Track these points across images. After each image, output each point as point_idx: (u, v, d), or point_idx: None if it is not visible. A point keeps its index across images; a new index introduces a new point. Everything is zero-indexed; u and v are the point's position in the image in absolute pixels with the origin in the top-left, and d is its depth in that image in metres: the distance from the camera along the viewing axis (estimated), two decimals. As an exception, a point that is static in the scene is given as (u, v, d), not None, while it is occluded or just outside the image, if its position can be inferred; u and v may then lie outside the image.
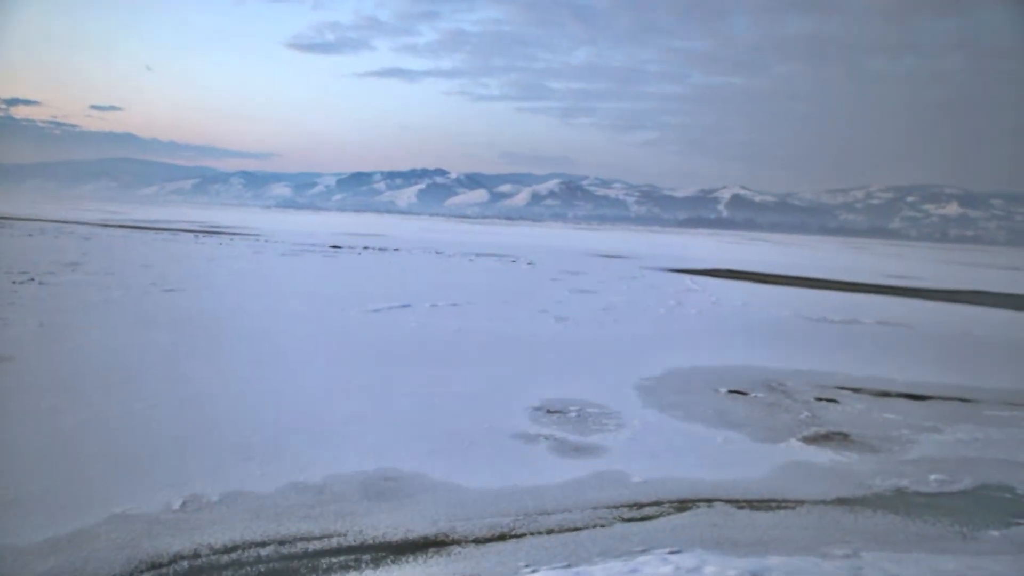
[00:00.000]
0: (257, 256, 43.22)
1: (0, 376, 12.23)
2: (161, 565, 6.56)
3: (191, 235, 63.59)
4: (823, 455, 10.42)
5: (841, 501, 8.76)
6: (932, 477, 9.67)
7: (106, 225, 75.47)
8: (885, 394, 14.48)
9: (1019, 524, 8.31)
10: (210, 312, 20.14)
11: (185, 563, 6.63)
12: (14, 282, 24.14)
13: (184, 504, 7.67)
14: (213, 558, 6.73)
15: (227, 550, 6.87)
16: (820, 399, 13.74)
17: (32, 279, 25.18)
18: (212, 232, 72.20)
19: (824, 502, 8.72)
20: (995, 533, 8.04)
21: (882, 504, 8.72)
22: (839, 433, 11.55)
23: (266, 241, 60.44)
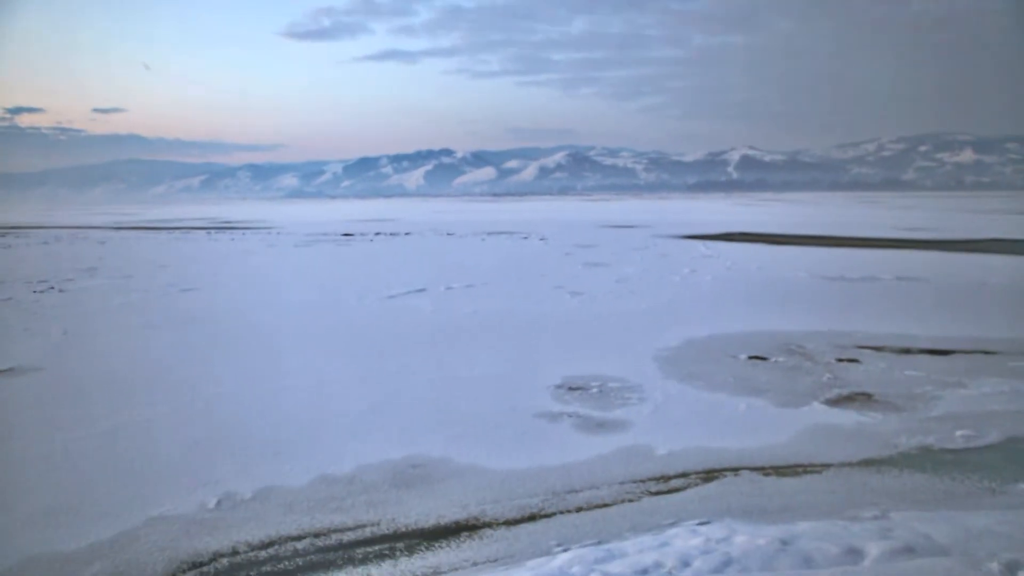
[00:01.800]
0: (270, 249, 43.45)
1: (29, 387, 12.46)
2: (202, 564, 6.72)
3: (203, 232, 63.99)
4: (847, 417, 10.42)
5: (867, 462, 8.78)
6: (958, 433, 9.66)
7: (119, 228, 76.07)
8: (907, 351, 14.41)
9: (1048, 475, 8.29)
10: (229, 309, 20.33)
11: (225, 561, 6.78)
12: (35, 291, 24.45)
13: (219, 503, 7.82)
14: (251, 554, 6.87)
15: (264, 546, 7.02)
16: (841, 360, 13.71)
17: (52, 287, 25.50)
18: (224, 228, 72.60)
19: (850, 464, 8.74)
20: (1023, 486, 8.04)
21: (909, 463, 8.73)
22: (862, 394, 11.54)
23: (278, 233, 60.70)
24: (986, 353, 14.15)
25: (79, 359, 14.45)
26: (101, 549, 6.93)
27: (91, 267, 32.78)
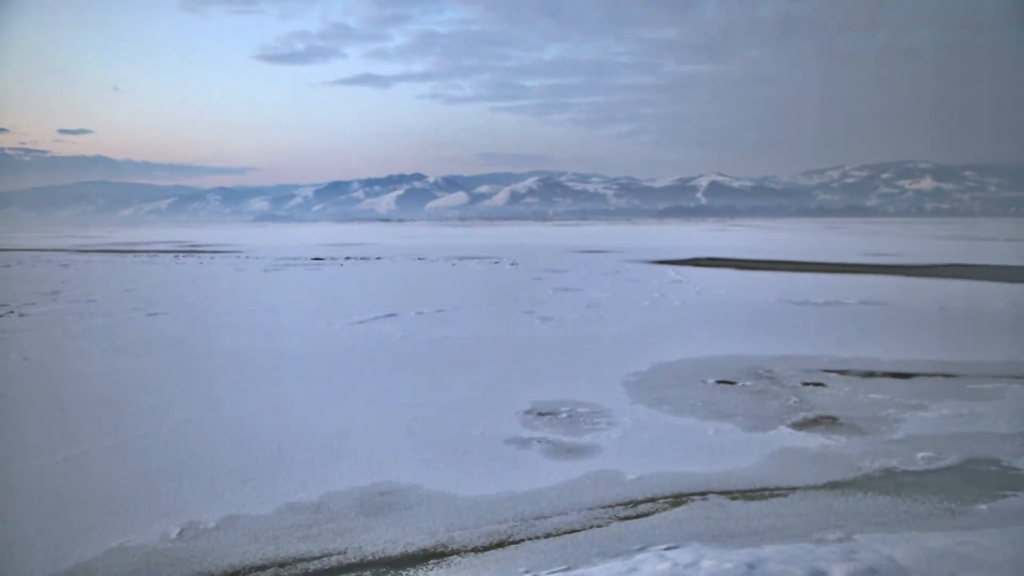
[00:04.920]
0: (239, 273, 42.99)
1: (-14, 414, 12.12)
2: (162, 596, 6.56)
3: (171, 256, 63.12)
4: (813, 440, 10.57)
5: (832, 485, 8.90)
6: (920, 455, 9.84)
7: (84, 251, 74.74)
8: (871, 374, 14.68)
9: (1005, 497, 8.49)
10: (195, 335, 20.04)
11: (186, 592, 6.63)
12: (-6, 316, 23.87)
13: (181, 532, 7.67)
14: (214, 585, 6.73)
15: (227, 576, 6.88)
16: (807, 384, 13.92)
17: (12, 311, 24.92)
18: (192, 251, 71.71)
19: (816, 487, 8.85)
20: (982, 507, 8.21)
21: (872, 485, 8.87)
22: (827, 417, 11.72)
23: (247, 257, 60.09)
24: (946, 376, 14.47)
25: (39, 385, 14.12)
26: (58, 582, 6.74)
27: (54, 291, 32.12)
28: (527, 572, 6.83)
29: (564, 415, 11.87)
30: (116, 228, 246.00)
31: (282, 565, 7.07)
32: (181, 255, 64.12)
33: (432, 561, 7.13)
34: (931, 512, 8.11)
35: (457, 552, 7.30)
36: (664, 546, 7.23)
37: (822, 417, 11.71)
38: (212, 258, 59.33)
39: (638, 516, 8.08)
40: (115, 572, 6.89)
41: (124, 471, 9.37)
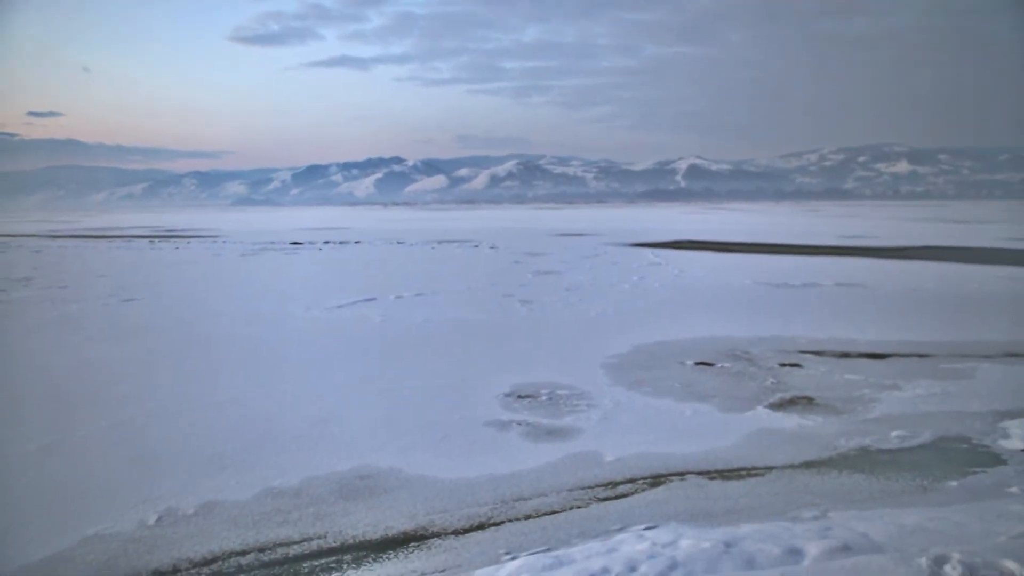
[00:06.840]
0: (216, 258, 42.53)
1: (-43, 402, 11.92)
2: (140, 583, 6.52)
3: (146, 241, 62.28)
4: (789, 420, 10.69)
5: (808, 464, 9.02)
6: (893, 434, 10.00)
7: (56, 236, 73.50)
8: (846, 355, 14.87)
9: (975, 474, 8.66)
10: (171, 320, 19.82)
11: (165, 579, 6.59)
12: (-36, 303, 23.44)
13: (160, 519, 7.61)
14: (193, 571, 6.70)
15: (207, 562, 6.85)
16: (784, 364, 14.06)
17: (-17, 298, 24.47)
18: (168, 236, 70.79)
19: (792, 466, 8.97)
20: (953, 484, 8.37)
21: (847, 464, 9.00)
22: (804, 397, 11.86)
23: (224, 242, 59.45)
24: (920, 356, 14.69)
25: (11, 374, 13.90)
26: (32, 571, 6.67)
27: (26, 277, 31.59)
28: (507, 553, 6.86)
29: (544, 397, 11.91)
30: (89, 213, 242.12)
31: (262, 550, 7.04)
32: (156, 240, 63.28)
33: (412, 544, 7.14)
34: (904, 489, 8.25)
35: (437, 535, 7.32)
36: (643, 526, 7.29)
37: (798, 397, 11.85)
38: (188, 243, 58.63)
39: (617, 497, 8.14)
40: (92, 560, 6.83)
41: (100, 460, 9.27)
